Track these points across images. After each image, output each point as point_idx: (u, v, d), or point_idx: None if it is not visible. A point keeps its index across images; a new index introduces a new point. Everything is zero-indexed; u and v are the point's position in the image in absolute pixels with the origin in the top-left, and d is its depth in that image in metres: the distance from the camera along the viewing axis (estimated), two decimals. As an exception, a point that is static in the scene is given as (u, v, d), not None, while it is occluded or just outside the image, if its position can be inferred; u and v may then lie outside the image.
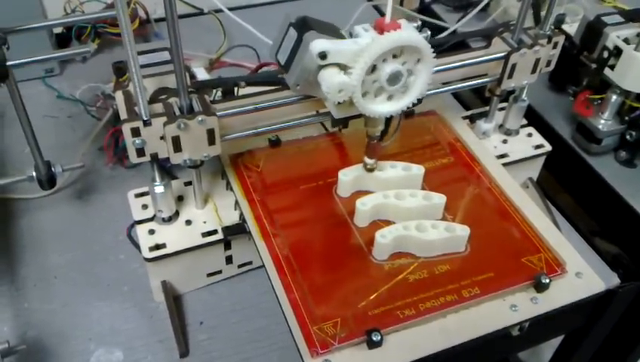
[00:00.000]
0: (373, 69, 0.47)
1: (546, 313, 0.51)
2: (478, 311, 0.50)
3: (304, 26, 0.48)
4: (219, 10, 0.93)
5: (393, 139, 0.56)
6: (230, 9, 0.87)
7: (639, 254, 0.68)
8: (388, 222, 0.55)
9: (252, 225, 0.55)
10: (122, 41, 0.45)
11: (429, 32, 0.49)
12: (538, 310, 0.51)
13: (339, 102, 0.49)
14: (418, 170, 0.58)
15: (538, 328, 0.61)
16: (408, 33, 0.47)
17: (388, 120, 0.54)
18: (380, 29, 0.47)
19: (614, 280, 0.64)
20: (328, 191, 0.59)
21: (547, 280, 0.51)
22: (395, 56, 0.48)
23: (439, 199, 0.56)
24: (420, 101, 0.51)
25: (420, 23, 0.49)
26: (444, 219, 0.56)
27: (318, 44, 0.45)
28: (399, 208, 0.55)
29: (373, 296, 0.50)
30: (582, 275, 0.53)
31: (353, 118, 0.53)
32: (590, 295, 0.52)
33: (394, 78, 0.48)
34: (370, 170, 0.57)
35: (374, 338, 0.46)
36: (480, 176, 0.62)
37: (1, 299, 0.59)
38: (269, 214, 0.56)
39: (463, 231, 0.53)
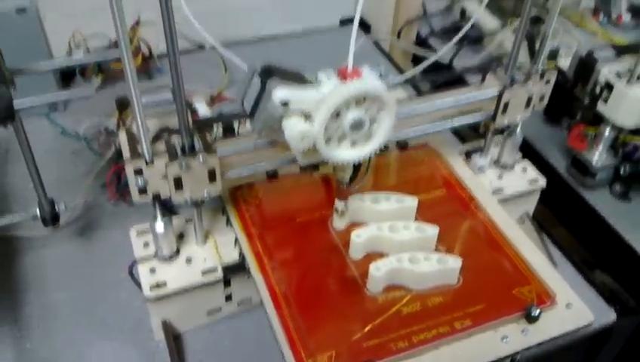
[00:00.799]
0: (337, 115, 0.48)
1: (537, 344, 0.52)
2: (470, 342, 0.51)
3: (268, 73, 0.48)
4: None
5: (363, 182, 0.56)
6: (233, 43, 0.88)
7: (635, 287, 0.69)
8: (382, 255, 0.56)
9: (251, 261, 0.56)
10: (126, 83, 0.46)
11: (390, 81, 0.50)
12: (529, 341, 0.52)
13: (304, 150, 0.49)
14: (412, 201, 0.59)
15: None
16: (370, 82, 0.47)
17: (357, 164, 0.54)
18: (343, 77, 0.47)
19: (611, 316, 0.65)
20: (324, 223, 0.60)
21: (537, 312, 0.52)
22: (358, 103, 0.48)
23: (432, 231, 0.57)
24: (386, 148, 0.52)
25: (381, 69, 0.50)
26: (437, 250, 0.57)
27: (280, 92, 0.46)
28: (393, 241, 0.56)
29: (368, 328, 0.51)
30: (572, 306, 0.54)
31: (321, 164, 0.54)
32: (580, 326, 0.53)
33: (357, 125, 0.49)
34: (342, 214, 0.57)
35: None
36: (472, 208, 0.63)
37: (4, 339, 0.60)
38: (268, 249, 0.57)
39: (455, 263, 0.55)
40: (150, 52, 0.94)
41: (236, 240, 0.59)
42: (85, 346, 0.60)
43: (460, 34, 0.60)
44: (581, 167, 0.79)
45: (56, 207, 0.62)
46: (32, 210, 0.62)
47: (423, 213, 0.60)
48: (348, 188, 0.56)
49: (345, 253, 0.57)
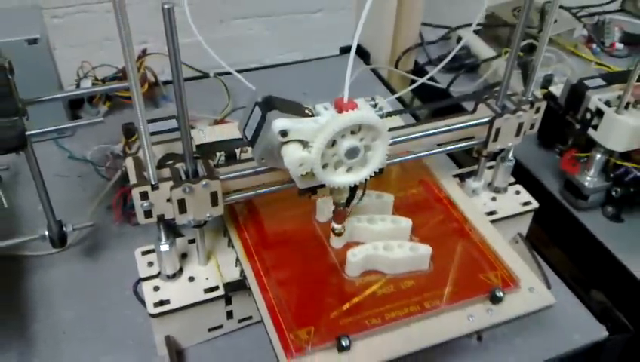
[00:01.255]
0: (333, 143, 0.51)
1: (501, 322, 0.56)
2: (439, 320, 0.55)
3: (268, 104, 0.51)
4: (223, 74, 0.99)
5: (357, 203, 0.59)
6: (236, 72, 0.92)
7: (627, 305, 0.70)
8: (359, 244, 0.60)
9: (239, 250, 0.60)
10: (134, 112, 0.48)
11: (385, 111, 0.53)
12: (493, 320, 0.56)
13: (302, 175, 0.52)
14: (388, 198, 0.63)
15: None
16: (364, 113, 0.50)
17: (353, 187, 0.56)
18: (339, 108, 0.50)
19: (603, 333, 0.67)
20: (308, 216, 0.64)
21: (501, 294, 0.56)
22: (353, 133, 0.51)
23: (406, 223, 0.61)
24: (381, 171, 0.55)
25: (376, 101, 0.53)
26: (411, 241, 0.61)
27: (279, 122, 0.49)
28: (370, 231, 0.60)
29: (345, 307, 0.55)
30: (534, 290, 0.58)
31: (318, 188, 0.57)
32: (541, 307, 0.58)
33: (352, 153, 0.52)
34: (339, 235, 0.60)
35: (343, 343, 0.51)
36: (445, 203, 0.68)
37: (12, 355, 0.62)
38: (258, 245, 0.61)
39: (425, 250, 0.59)
40: (156, 79, 0.97)
41: (237, 259, 0.61)
42: (92, 360, 0.61)
43: (449, 58, 0.62)
44: (574, 189, 0.82)
45: (64, 228, 0.65)
46: (41, 231, 0.65)
47: (399, 208, 0.64)
48: (345, 210, 0.58)
49: (327, 243, 0.61)
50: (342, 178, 0.53)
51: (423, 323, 0.55)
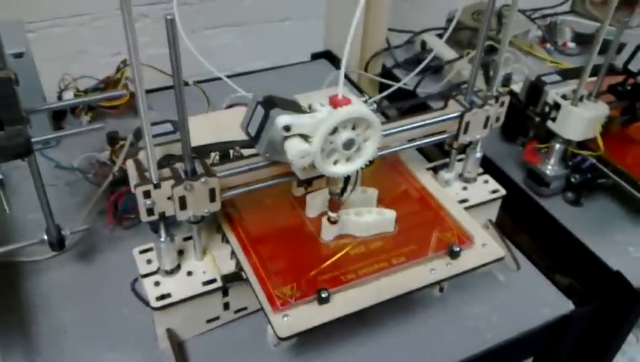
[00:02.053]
0: (331, 137, 0.56)
1: (459, 273, 0.64)
2: (405, 274, 0.63)
3: (270, 103, 0.56)
4: (201, 81, 1.02)
5: (350, 193, 0.65)
6: (213, 79, 0.96)
7: (590, 283, 0.77)
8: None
9: (225, 226, 0.66)
10: (139, 116, 0.52)
11: (375, 105, 0.58)
12: (452, 271, 0.64)
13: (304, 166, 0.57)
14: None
15: (506, 351, 0.68)
16: (358, 107, 0.55)
17: (347, 178, 0.63)
18: (334, 104, 0.55)
19: (569, 306, 0.73)
20: (287, 194, 0.70)
21: (458, 249, 0.64)
22: (346, 127, 0.56)
23: (372, 192, 0.68)
24: (371, 162, 0.61)
25: (368, 97, 0.58)
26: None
27: (282, 118, 0.54)
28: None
29: (322, 266, 0.62)
30: (486, 246, 0.66)
31: (316, 179, 0.63)
32: (493, 259, 0.65)
33: (348, 144, 0.57)
34: (334, 223, 0.65)
35: (323, 296, 0.58)
36: (407, 177, 0.76)
37: (16, 354, 0.64)
38: (250, 233, 0.66)
39: (390, 214, 0.66)
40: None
41: (232, 253, 0.64)
42: (94, 356, 0.64)
43: (423, 65, 0.68)
44: (536, 178, 0.88)
45: (62, 232, 0.67)
46: (40, 235, 0.67)
47: (365, 181, 0.69)
48: (339, 199, 0.63)
49: (303, 214, 0.68)
50: (339, 168, 0.59)
51: (391, 277, 0.62)
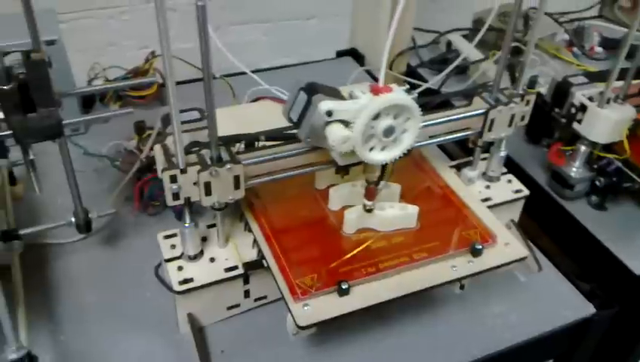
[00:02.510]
0: (372, 122, 0.57)
1: (480, 271, 0.63)
2: (426, 269, 0.63)
3: (312, 89, 0.58)
4: (228, 75, 1.03)
5: (385, 182, 0.65)
6: (239, 73, 0.97)
7: (612, 287, 0.76)
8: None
9: (249, 218, 0.66)
10: (168, 103, 0.53)
11: (417, 94, 0.59)
12: (473, 269, 0.63)
13: (343, 153, 0.58)
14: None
15: (525, 352, 0.68)
16: (399, 95, 0.57)
17: (383, 166, 0.63)
18: (376, 92, 0.56)
19: (591, 310, 0.72)
20: (310, 186, 0.70)
21: (480, 247, 0.64)
22: (388, 114, 0.57)
23: (396, 187, 0.68)
24: (409, 151, 0.61)
25: (408, 86, 0.59)
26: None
27: (325, 104, 0.56)
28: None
29: (343, 258, 0.62)
30: (509, 245, 0.66)
31: (354, 165, 0.63)
32: (515, 259, 0.65)
33: (388, 132, 0.58)
34: (369, 211, 0.65)
35: (343, 287, 0.58)
36: (431, 174, 0.75)
37: (40, 332, 0.66)
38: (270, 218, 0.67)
39: (413, 210, 0.66)
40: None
41: (254, 241, 0.65)
42: (116, 337, 0.66)
43: (451, 67, 0.67)
44: (561, 180, 0.87)
45: (89, 215, 0.69)
46: (68, 217, 0.69)
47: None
48: (375, 188, 0.64)
49: (325, 207, 0.69)
50: (378, 155, 0.60)
51: (412, 272, 0.62)
